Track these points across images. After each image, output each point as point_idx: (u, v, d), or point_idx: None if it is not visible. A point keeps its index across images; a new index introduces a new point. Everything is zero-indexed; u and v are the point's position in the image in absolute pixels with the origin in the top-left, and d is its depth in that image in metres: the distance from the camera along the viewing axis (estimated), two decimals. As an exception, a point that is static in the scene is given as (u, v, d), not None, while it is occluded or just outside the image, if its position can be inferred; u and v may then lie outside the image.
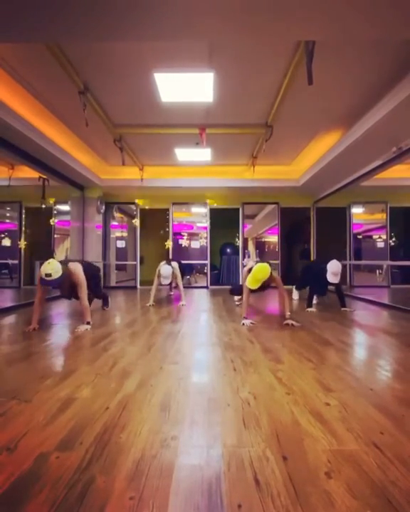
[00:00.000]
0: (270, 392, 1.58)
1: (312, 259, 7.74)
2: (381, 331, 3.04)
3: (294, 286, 5.39)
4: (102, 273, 6.42)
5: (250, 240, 8.29)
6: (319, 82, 3.11)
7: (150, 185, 6.74)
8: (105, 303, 4.38)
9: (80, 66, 3.13)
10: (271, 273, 3.24)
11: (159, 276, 4.58)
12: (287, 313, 3.27)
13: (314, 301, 4.69)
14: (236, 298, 4.84)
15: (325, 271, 3.97)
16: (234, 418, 1.32)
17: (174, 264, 4.73)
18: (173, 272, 4.60)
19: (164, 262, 4.68)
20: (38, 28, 2.23)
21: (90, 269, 3.55)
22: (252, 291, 3.38)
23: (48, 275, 2.88)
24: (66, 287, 3.23)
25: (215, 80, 3.29)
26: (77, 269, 3.20)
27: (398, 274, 7.84)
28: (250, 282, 3.23)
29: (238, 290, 4.74)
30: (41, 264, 2.98)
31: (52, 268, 2.90)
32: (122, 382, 1.71)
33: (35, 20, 2.14)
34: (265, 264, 3.25)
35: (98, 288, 4.04)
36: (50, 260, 2.97)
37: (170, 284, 4.96)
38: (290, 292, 5.40)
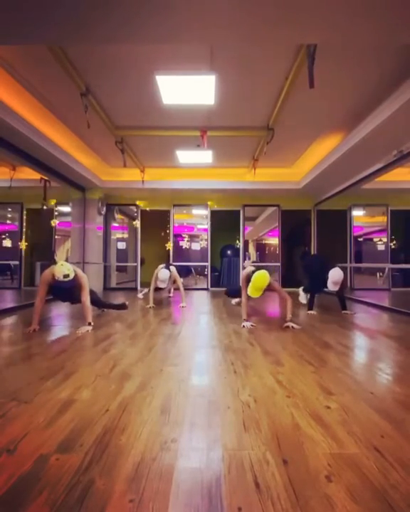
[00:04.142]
0: (271, 395, 1.58)
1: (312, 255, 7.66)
2: (381, 334, 3.03)
3: (300, 288, 5.15)
4: (99, 274, 6.40)
5: (251, 242, 8.28)
6: (320, 85, 3.11)
7: (151, 187, 6.76)
8: (115, 307, 4.29)
9: (82, 68, 3.14)
10: (270, 281, 3.25)
11: (157, 279, 4.57)
12: (288, 316, 3.27)
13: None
14: (234, 300, 4.83)
15: (326, 273, 3.92)
16: (234, 421, 1.32)
17: (172, 267, 4.73)
18: (171, 276, 4.60)
19: (162, 266, 4.67)
20: (40, 31, 2.25)
21: None
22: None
23: (67, 276, 2.98)
24: (77, 290, 3.26)
25: (216, 83, 3.30)
26: (81, 271, 3.28)
27: (399, 277, 7.83)
28: (252, 292, 3.24)
29: (233, 292, 4.73)
30: (42, 265, 3.02)
31: (68, 269, 3.01)
32: (122, 384, 1.71)
33: (37, 22, 2.16)
34: (265, 272, 3.27)
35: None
36: (62, 262, 3.06)
37: (165, 288, 4.94)
38: (296, 295, 5.39)
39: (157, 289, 4.84)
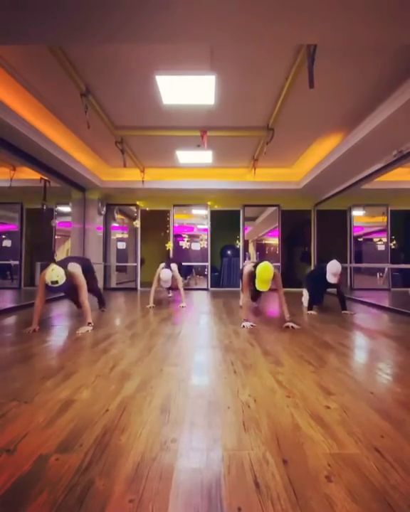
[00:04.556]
0: (271, 395, 1.58)
1: (312, 261, 7.73)
2: (381, 334, 3.03)
3: (305, 296, 4.89)
4: (99, 274, 6.40)
5: (251, 242, 8.29)
6: (320, 85, 3.12)
7: (151, 187, 6.76)
8: (102, 303, 4.36)
9: (82, 68, 3.14)
10: (274, 271, 3.24)
11: (159, 279, 4.57)
12: (287, 316, 3.27)
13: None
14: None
15: (325, 272, 3.96)
16: (234, 421, 1.32)
17: (173, 266, 4.71)
18: (173, 275, 4.60)
19: (163, 265, 4.66)
20: (40, 31, 2.25)
21: (83, 264, 3.51)
22: (254, 292, 3.38)
23: (55, 282, 2.91)
24: (71, 290, 3.24)
25: (216, 83, 3.30)
26: (76, 271, 3.21)
27: (399, 277, 7.83)
28: (260, 285, 3.20)
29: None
30: (42, 265, 2.99)
31: (57, 275, 2.93)
32: (122, 384, 1.71)
33: (37, 22, 2.16)
34: (267, 263, 3.24)
35: (94, 282, 3.99)
36: (53, 267, 2.98)
37: (169, 287, 4.96)
38: (292, 295, 5.39)
39: (169, 289, 4.89)
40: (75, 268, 3.22)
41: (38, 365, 2.04)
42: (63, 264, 3.16)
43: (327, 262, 4.05)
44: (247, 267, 3.54)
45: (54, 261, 3.12)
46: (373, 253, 7.79)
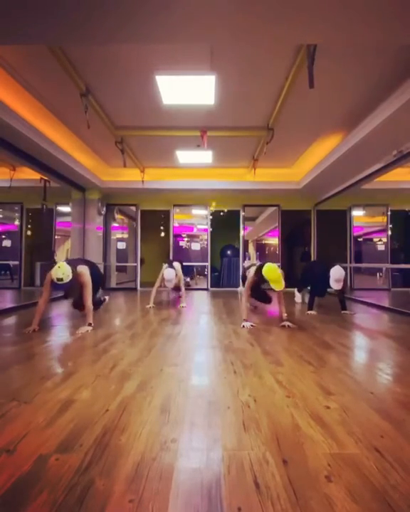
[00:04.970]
0: (270, 395, 1.58)
1: (312, 259, 7.74)
2: (381, 334, 3.03)
3: (296, 289, 5.38)
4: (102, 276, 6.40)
5: (251, 242, 8.29)
6: (320, 86, 3.11)
7: (151, 187, 6.76)
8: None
9: (82, 68, 3.14)
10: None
11: (163, 279, 4.57)
12: (284, 315, 3.30)
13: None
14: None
15: (327, 274, 3.92)
16: (234, 421, 1.32)
17: (176, 265, 4.72)
18: (176, 274, 4.60)
19: (166, 265, 4.66)
20: (40, 31, 2.25)
21: (94, 271, 3.51)
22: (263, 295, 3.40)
23: (60, 279, 2.95)
24: (75, 289, 3.25)
25: (216, 83, 3.30)
26: (83, 270, 3.24)
27: (399, 277, 7.83)
28: (275, 285, 3.19)
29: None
30: (42, 265, 2.99)
31: (63, 272, 2.97)
32: (122, 384, 1.71)
33: (37, 22, 2.16)
34: (270, 264, 3.27)
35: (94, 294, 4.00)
36: (61, 264, 3.03)
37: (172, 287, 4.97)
38: (292, 295, 5.40)
39: (174, 289, 4.98)
40: (83, 268, 3.25)
41: (38, 365, 2.04)
42: (73, 263, 3.19)
43: (327, 262, 4.04)
44: (251, 271, 3.53)
45: (55, 261, 3.13)
46: (373, 253, 7.79)
